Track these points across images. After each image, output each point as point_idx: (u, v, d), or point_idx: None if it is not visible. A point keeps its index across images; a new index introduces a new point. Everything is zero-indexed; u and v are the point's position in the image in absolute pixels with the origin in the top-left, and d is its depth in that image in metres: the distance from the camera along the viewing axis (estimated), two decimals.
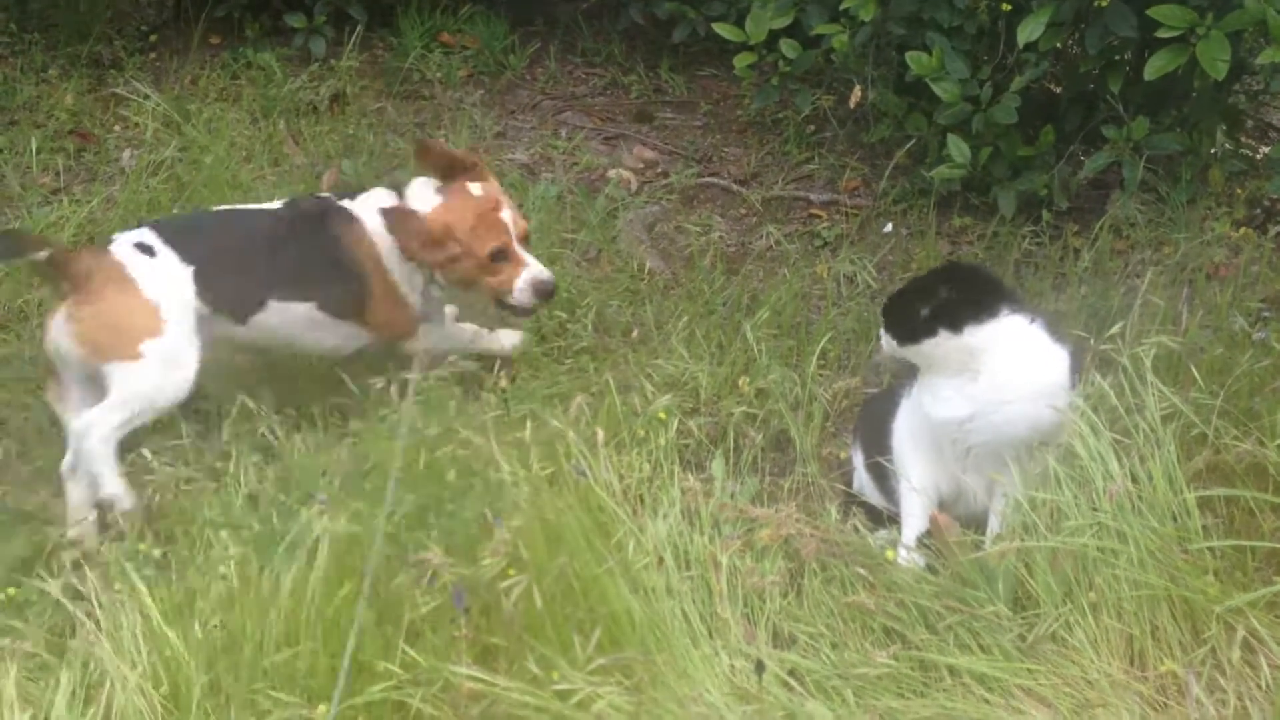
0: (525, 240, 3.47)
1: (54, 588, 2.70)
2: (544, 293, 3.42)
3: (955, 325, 2.77)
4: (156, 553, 2.86)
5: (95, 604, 2.58)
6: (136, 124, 4.99)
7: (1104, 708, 2.39)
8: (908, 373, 3.01)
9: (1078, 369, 2.82)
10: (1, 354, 3.78)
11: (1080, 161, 4.27)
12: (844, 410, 3.49)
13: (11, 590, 2.85)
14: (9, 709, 2.40)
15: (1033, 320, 2.80)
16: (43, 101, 5.20)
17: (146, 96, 5.04)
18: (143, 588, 2.65)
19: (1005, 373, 2.74)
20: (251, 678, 2.48)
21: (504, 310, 3.51)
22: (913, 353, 2.88)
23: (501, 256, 3.39)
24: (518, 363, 3.68)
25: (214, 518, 2.86)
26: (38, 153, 4.82)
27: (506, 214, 3.41)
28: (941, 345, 2.80)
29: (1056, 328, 2.84)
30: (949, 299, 2.79)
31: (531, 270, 3.41)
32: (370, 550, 2.61)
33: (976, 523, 2.89)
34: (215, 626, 2.56)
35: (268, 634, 2.51)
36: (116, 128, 5.08)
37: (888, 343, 2.93)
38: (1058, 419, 2.71)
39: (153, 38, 5.70)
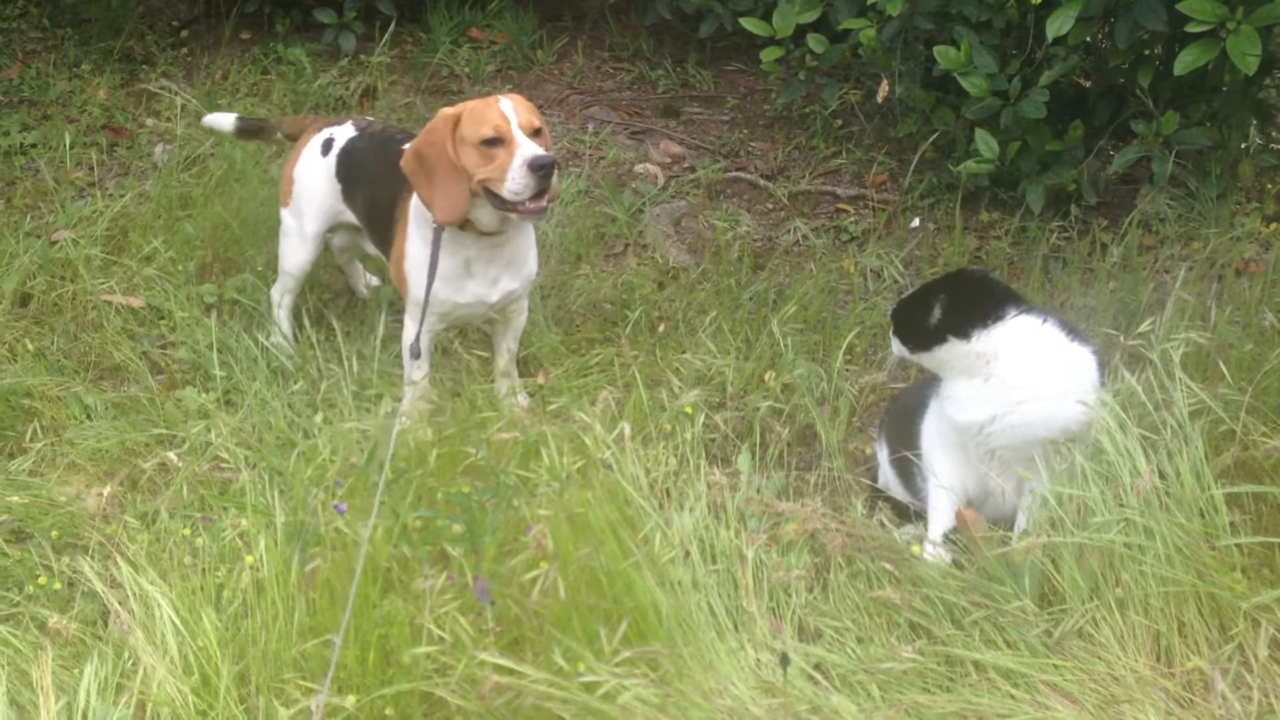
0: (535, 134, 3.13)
1: (89, 575, 2.73)
2: (538, 166, 3.03)
3: (962, 332, 2.77)
4: (187, 532, 2.91)
5: (129, 593, 2.61)
6: (168, 119, 5.04)
7: (1130, 704, 2.38)
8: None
9: (1104, 366, 2.81)
10: (36, 347, 3.82)
11: (1109, 156, 4.26)
12: (870, 405, 3.49)
13: (43, 580, 2.90)
14: (43, 696, 2.43)
15: (1045, 320, 2.79)
16: (75, 96, 5.26)
17: (178, 92, 5.08)
18: (175, 577, 2.69)
19: (1020, 374, 2.73)
20: (280, 668, 2.51)
21: (503, 208, 3.14)
22: (925, 359, 2.88)
23: (493, 143, 3.09)
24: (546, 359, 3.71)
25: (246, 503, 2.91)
26: (71, 147, 4.87)
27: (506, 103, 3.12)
28: (951, 351, 2.80)
29: (1074, 326, 2.82)
30: (955, 306, 2.80)
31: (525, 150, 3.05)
32: (398, 541, 2.65)
33: (1005, 523, 2.88)
34: (245, 616, 2.60)
35: (297, 624, 2.54)
36: (149, 122, 5.13)
37: (898, 347, 2.94)
38: (1080, 417, 2.70)
39: (184, 33, 5.75)
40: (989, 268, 4.02)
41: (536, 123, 3.14)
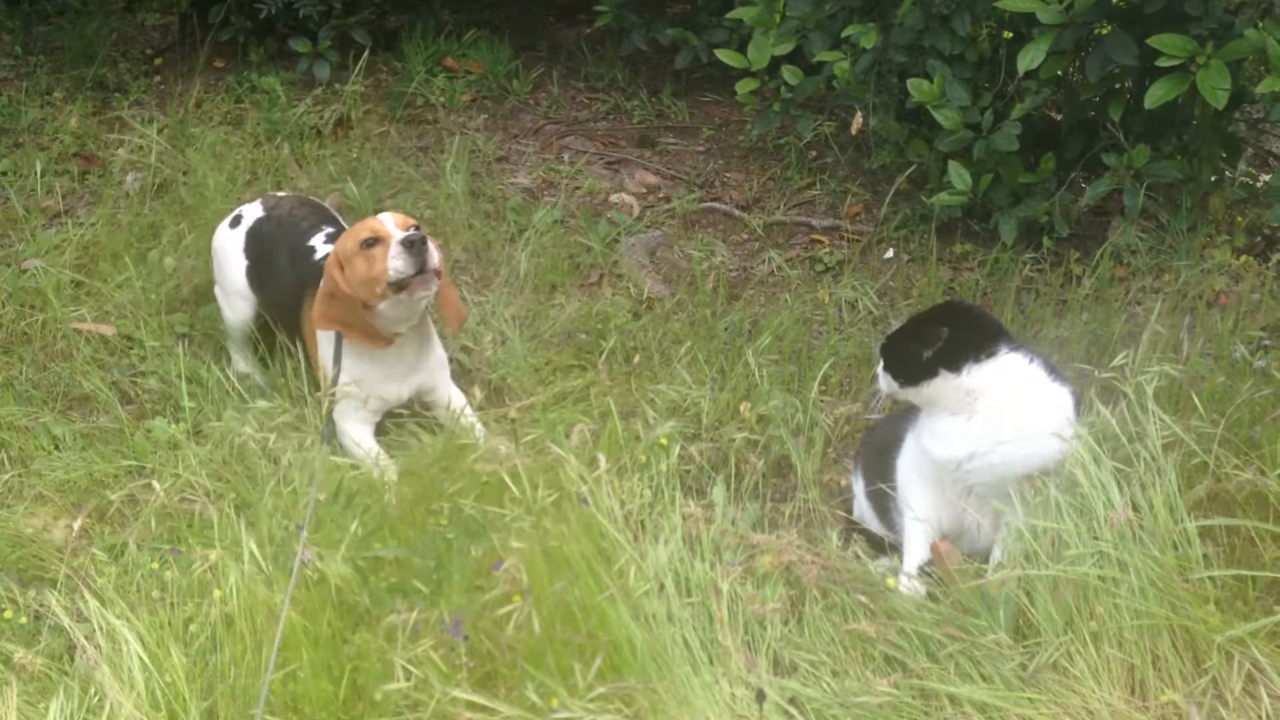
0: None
1: (56, 609, 2.70)
2: (410, 243, 3.20)
3: (955, 366, 2.76)
4: (155, 565, 2.87)
5: (96, 627, 2.58)
6: (140, 147, 5.02)
7: None
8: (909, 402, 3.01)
9: (1079, 403, 2.81)
10: (4, 377, 3.78)
11: (1081, 189, 4.28)
12: (845, 436, 3.49)
13: (9, 614, 2.86)
14: None
15: (1031, 360, 2.79)
16: (47, 124, 5.24)
17: (150, 120, 5.06)
18: (143, 610, 2.66)
19: (1002, 412, 2.73)
20: (249, 703, 2.47)
21: (397, 295, 3.28)
22: (913, 394, 2.87)
23: (372, 244, 3.26)
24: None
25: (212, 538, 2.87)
26: (42, 175, 4.85)
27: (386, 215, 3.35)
28: (941, 386, 2.79)
29: (1053, 365, 2.83)
30: (949, 340, 2.79)
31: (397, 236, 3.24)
32: (370, 578, 2.63)
33: (980, 556, 2.88)
34: (213, 651, 2.56)
35: (265, 659, 2.51)
36: (120, 150, 5.09)
37: (887, 383, 2.92)
38: (1057, 455, 2.71)
39: (157, 61, 5.74)
40: (962, 299, 4.03)
41: (411, 221, 3.33)
